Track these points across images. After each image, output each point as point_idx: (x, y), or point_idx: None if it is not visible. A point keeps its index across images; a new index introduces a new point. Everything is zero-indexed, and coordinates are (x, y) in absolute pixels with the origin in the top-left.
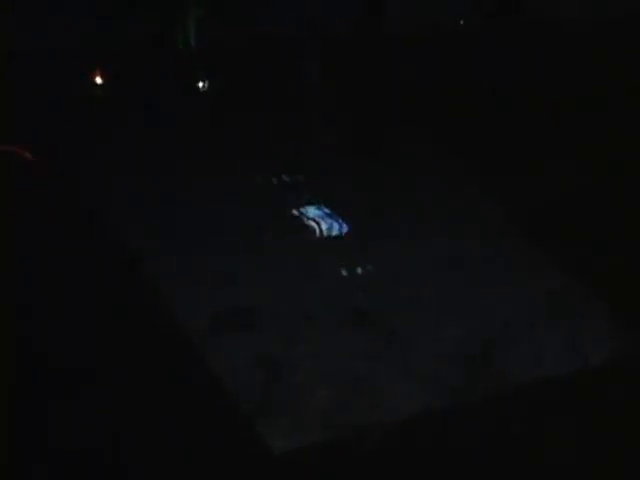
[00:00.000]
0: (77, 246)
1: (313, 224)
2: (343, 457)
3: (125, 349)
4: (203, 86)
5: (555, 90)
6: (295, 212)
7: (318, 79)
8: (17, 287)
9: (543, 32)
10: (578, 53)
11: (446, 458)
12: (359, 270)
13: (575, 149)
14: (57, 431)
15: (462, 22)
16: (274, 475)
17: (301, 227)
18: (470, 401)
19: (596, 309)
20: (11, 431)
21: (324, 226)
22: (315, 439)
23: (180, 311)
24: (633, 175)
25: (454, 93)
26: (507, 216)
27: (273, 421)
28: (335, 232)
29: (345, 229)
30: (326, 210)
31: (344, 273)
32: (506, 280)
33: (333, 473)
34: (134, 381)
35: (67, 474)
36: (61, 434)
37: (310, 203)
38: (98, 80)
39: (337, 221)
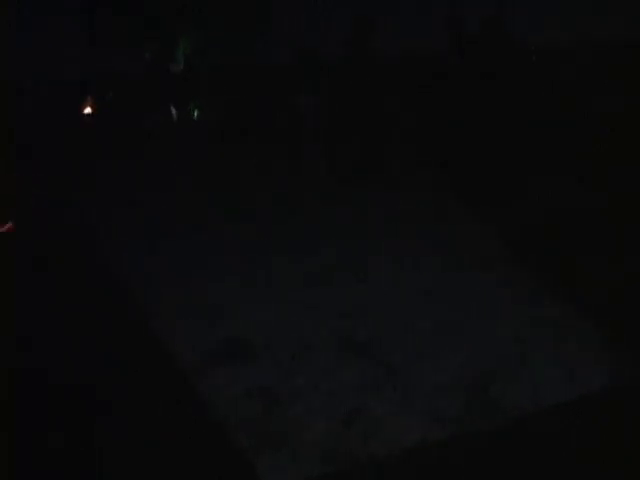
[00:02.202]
0: (72, 278)
1: None
2: None
3: (120, 382)
4: (197, 115)
5: (541, 115)
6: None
7: (312, 109)
8: (18, 322)
9: (527, 60)
10: (559, 77)
11: None
12: (355, 300)
13: (562, 176)
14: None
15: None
16: None
17: (292, 259)
18: (467, 433)
19: (592, 336)
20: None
21: None
22: (312, 472)
23: (177, 342)
24: (620, 193)
25: (441, 122)
26: (498, 242)
27: (270, 454)
28: None
29: None
30: None
31: (339, 304)
32: (501, 309)
33: None
34: (129, 413)
35: None
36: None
37: None
38: (88, 110)
39: None
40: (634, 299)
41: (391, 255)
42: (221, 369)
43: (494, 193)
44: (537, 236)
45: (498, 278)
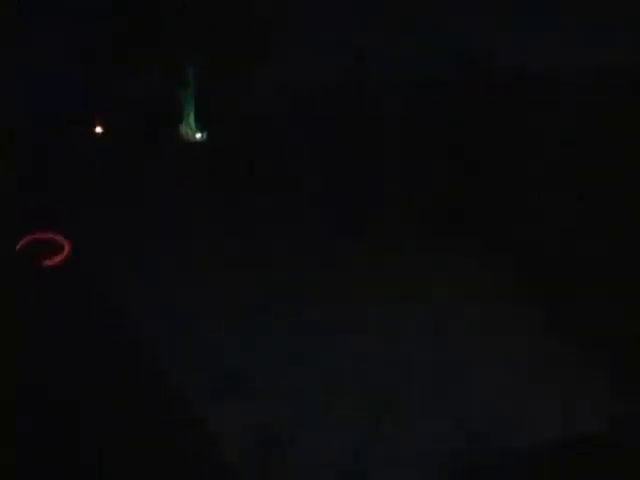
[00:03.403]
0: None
1: None
2: None
3: (121, 411)
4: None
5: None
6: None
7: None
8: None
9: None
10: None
11: None
12: (355, 342)
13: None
14: None
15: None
16: None
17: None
18: (464, 469)
19: (593, 374)
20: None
21: None
22: None
23: (178, 376)
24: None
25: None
26: (499, 279)
27: None
28: None
29: None
30: None
31: (340, 345)
32: (501, 345)
33: None
34: (127, 445)
35: None
36: None
37: None
38: (99, 129)
39: None
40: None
41: (391, 296)
42: (223, 402)
43: (497, 235)
44: (538, 271)
45: (500, 313)
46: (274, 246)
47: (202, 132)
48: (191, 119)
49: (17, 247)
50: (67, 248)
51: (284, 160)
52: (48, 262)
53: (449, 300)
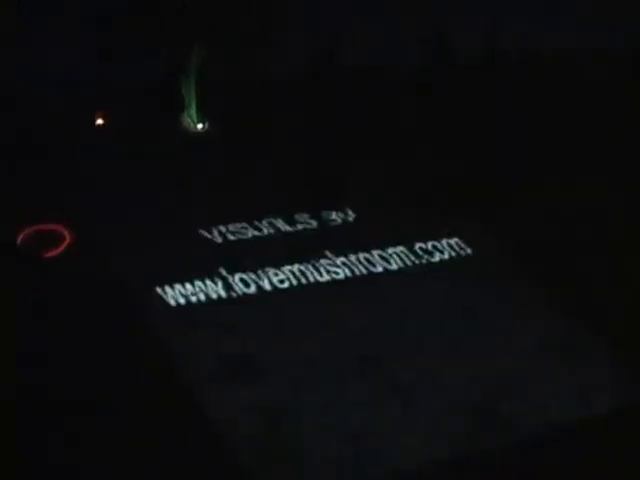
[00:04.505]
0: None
1: None
2: None
3: (126, 395)
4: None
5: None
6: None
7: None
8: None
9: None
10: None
11: None
12: (362, 317)
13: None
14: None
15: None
16: None
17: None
18: (473, 451)
19: (603, 356)
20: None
21: None
22: None
23: (181, 357)
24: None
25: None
26: (504, 258)
27: (273, 473)
28: None
29: None
30: None
31: (347, 320)
32: (510, 326)
33: None
34: (132, 428)
35: None
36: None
37: None
38: (100, 121)
39: None
40: None
41: (402, 270)
42: (226, 383)
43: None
44: (549, 252)
45: (510, 295)
46: (274, 246)
47: (203, 123)
48: (192, 109)
49: (18, 241)
50: (68, 238)
51: (283, 157)
52: (48, 254)
53: (457, 277)
